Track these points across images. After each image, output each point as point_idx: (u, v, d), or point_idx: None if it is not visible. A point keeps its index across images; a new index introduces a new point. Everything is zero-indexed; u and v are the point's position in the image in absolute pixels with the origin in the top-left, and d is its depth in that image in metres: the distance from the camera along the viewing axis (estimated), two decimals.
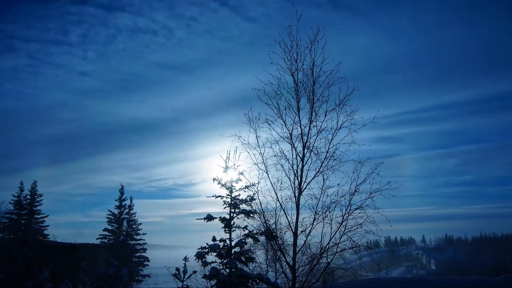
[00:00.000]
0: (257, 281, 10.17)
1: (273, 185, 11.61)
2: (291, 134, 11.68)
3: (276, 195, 11.54)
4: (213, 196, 10.26)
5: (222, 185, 10.29)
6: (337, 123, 11.28)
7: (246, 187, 10.54)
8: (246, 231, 10.27)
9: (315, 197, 11.30)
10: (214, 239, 10.06)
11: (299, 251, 11.39)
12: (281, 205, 11.50)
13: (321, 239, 11.24)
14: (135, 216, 35.15)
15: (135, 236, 34.62)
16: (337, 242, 10.98)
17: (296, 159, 11.60)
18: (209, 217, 10.12)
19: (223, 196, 10.30)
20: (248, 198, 10.48)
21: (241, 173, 10.74)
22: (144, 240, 34.83)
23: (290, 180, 11.56)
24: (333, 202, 11.09)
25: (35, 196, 33.20)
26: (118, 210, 34.64)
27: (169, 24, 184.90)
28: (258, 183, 11.36)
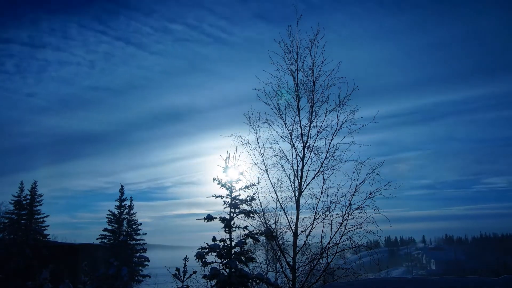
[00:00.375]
0: (257, 281, 10.17)
1: (273, 185, 11.64)
2: (291, 134, 11.70)
3: (276, 195, 11.57)
4: (213, 196, 10.26)
5: (222, 185, 10.28)
6: (337, 123, 11.31)
7: (246, 187, 10.53)
8: (246, 231, 10.26)
9: (315, 197, 11.32)
10: (214, 239, 10.05)
11: (299, 251, 11.40)
12: (281, 205, 11.53)
13: (321, 239, 11.27)
14: (135, 216, 35.15)
15: (135, 236, 34.60)
16: (337, 242, 10.99)
17: (296, 159, 11.62)
18: (209, 217, 10.11)
19: (223, 196, 10.29)
20: (248, 198, 10.46)
21: (241, 173, 10.74)
22: (144, 240, 34.81)
23: (290, 180, 11.58)
24: (333, 202, 11.12)
25: (35, 196, 33.20)
26: (118, 210, 34.63)
27: (88, 57, 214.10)
28: (258, 183, 11.40)
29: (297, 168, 11.55)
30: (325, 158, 11.36)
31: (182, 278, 10.76)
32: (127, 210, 35.00)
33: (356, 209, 10.82)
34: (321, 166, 11.37)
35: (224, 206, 10.28)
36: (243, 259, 10.06)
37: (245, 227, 10.28)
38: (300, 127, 11.66)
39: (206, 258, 9.91)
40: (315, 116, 11.53)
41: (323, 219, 11.17)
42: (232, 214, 10.22)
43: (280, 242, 11.57)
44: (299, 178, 11.48)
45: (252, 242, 10.61)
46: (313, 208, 11.28)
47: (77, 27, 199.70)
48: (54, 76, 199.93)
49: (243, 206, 10.42)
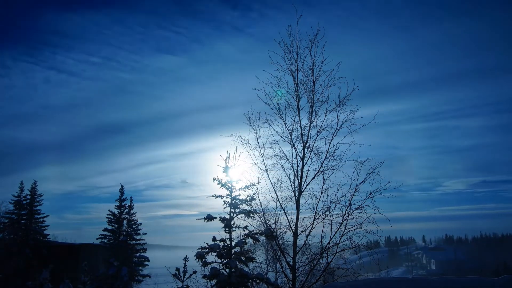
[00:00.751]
0: (257, 281, 10.17)
1: (273, 185, 11.64)
2: (291, 134, 11.70)
3: (276, 195, 11.57)
4: (213, 196, 10.27)
5: (222, 185, 10.28)
6: (337, 123, 11.31)
7: (246, 187, 10.53)
8: (246, 231, 10.26)
9: (315, 197, 11.33)
10: (214, 239, 10.06)
11: (299, 251, 11.39)
12: (281, 205, 11.54)
13: (321, 239, 11.28)
14: (135, 216, 35.13)
15: (135, 236, 34.58)
16: (337, 242, 11.00)
17: (296, 159, 11.62)
18: (209, 217, 10.11)
19: (223, 196, 10.29)
20: (248, 198, 10.46)
21: (241, 173, 10.76)
22: (144, 240, 34.79)
23: (290, 180, 11.59)
24: (333, 202, 11.13)
25: (35, 196, 33.20)
26: (118, 210, 34.62)
27: (29, 82, 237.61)
28: (258, 183, 11.40)
29: (297, 168, 11.56)
30: (325, 158, 11.38)
31: (182, 278, 10.76)
32: (127, 210, 35.00)
33: (356, 209, 10.84)
34: (321, 166, 11.39)
35: (224, 206, 10.28)
36: (243, 259, 10.06)
37: (245, 227, 10.28)
38: (300, 127, 11.68)
39: (206, 258, 9.91)
40: (315, 116, 11.55)
41: (323, 219, 11.18)
42: (232, 214, 10.22)
43: (280, 242, 11.57)
44: (299, 178, 11.49)
45: (252, 242, 10.61)
46: (313, 208, 11.31)
47: (11, 59, 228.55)
48: (4, 97, 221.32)
49: (243, 206, 10.43)
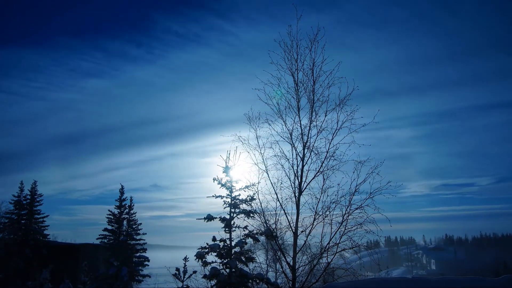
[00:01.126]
0: (257, 281, 10.17)
1: (273, 185, 11.63)
2: (291, 134, 11.70)
3: (276, 195, 11.57)
4: (213, 196, 10.27)
5: (222, 185, 10.28)
6: (337, 123, 11.31)
7: (246, 187, 10.54)
8: (246, 231, 10.27)
9: (315, 197, 11.32)
10: (214, 239, 10.06)
11: (299, 251, 11.39)
12: (281, 205, 11.53)
13: (321, 239, 11.27)
14: (135, 216, 35.12)
15: (135, 236, 34.56)
16: (337, 242, 10.99)
17: (296, 159, 11.62)
18: (209, 217, 10.12)
19: (223, 196, 10.30)
20: (248, 198, 10.47)
21: (241, 173, 10.76)
22: (144, 240, 34.79)
23: (290, 180, 11.58)
24: (333, 202, 11.12)
25: (35, 196, 33.22)
26: (118, 210, 34.61)
27: None
28: (258, 183, 11.39)
29: (297, 168, 11.56)
30: (325, 158, 11.37)
31: (182, 278, 10.77)
32: (127, 210, 34.97)
33: (356, 209, 10.83)
34: (321, 166, 11.38)
35: (224, 206, 10.29)
36: (243, 259, 10.06)
37: (245, 227, 10.29)
38: (300, 127, 11.68)
39: (206, 258, 9.92)
40: (315, 116, 11.54)
41: (323, 219, 11.18)
42: (232, 214, 10.22)
43: (280, 242, 11.57)
44: (299, 178, 11.48)
45: (252, 242, 10.61)
46: (313, 208, 11.30)
47: None
48: None
49: (243, 206, 10.43)
